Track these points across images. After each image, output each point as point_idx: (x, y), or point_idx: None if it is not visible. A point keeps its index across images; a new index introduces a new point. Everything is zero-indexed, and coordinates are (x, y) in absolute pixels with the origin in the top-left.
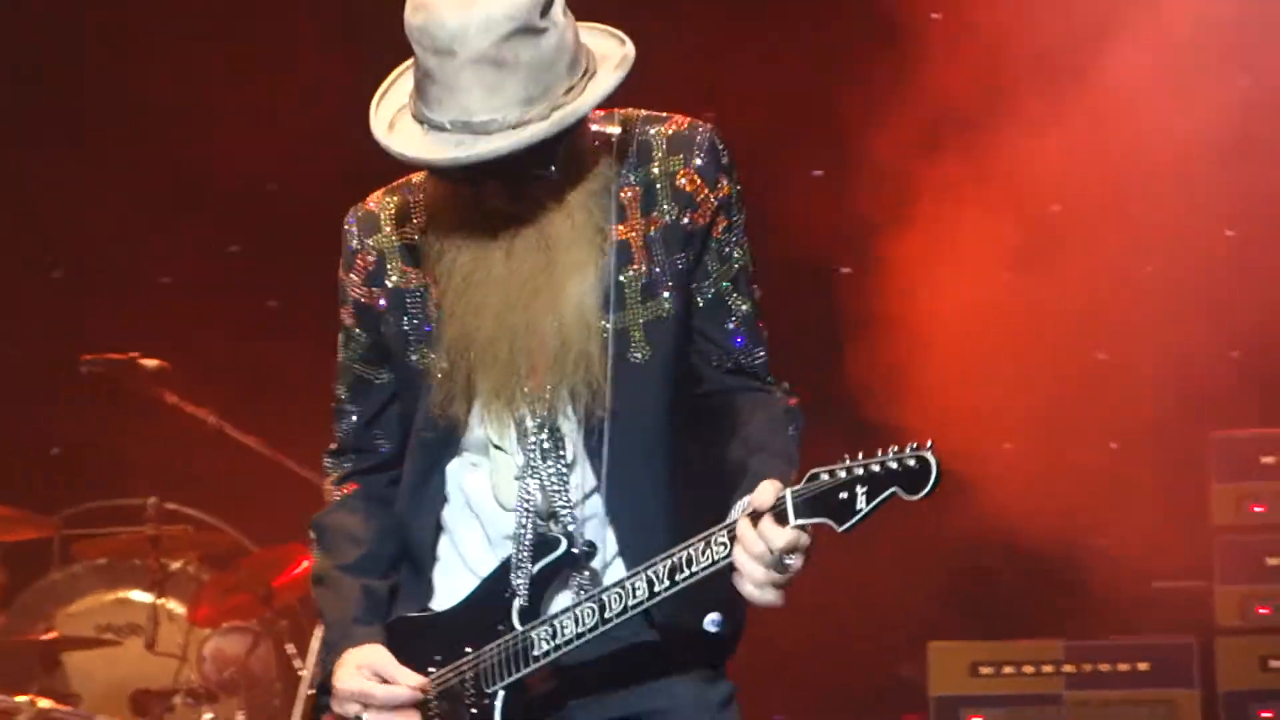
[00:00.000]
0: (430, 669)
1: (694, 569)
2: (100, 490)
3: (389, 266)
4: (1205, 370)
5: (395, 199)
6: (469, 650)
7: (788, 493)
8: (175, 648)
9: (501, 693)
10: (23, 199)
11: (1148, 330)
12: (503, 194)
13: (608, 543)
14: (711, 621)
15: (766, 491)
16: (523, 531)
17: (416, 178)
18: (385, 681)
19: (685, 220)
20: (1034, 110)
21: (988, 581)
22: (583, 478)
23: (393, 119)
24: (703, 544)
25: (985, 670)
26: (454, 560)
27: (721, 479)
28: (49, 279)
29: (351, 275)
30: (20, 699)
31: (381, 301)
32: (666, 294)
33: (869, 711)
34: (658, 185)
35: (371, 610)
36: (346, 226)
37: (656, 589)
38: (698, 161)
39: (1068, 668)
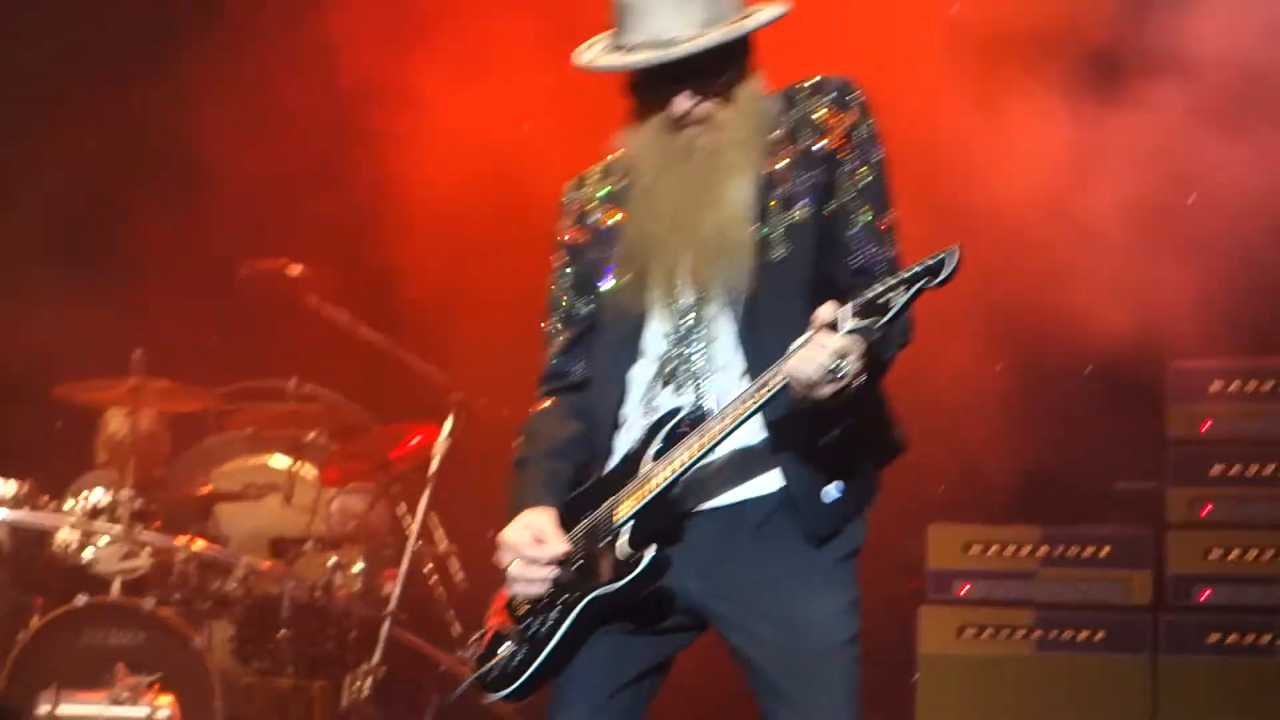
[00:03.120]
0: (580, 521)
1: (772, 385)
2: (251, 372)
3: (592, 209)
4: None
5: (602, 165)
6: (606, 501)
7: (845, 307)
8: (307, 504)
9: (628, 524)
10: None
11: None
12: (686, 99)
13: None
14: (835, 488)
15: (826, 309)
16: (662, 396)
17: (621, 153)
18: (540, 541)
19: (818, 145)
20: None
21: (980, 479)
22: (728, 356)
23: (593, 57)
24: (780, 364)
25: (975, 549)
26: (623, 450)
27: None
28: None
29: (564, 221)
30: (180, 540)
31: (585, 237)
32: (803, 203)
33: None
34: (800, 122)
35: (549, 485)
36: (563, 190)
37: (746, 407)
38: (829, 98)
39: (1043, 549)
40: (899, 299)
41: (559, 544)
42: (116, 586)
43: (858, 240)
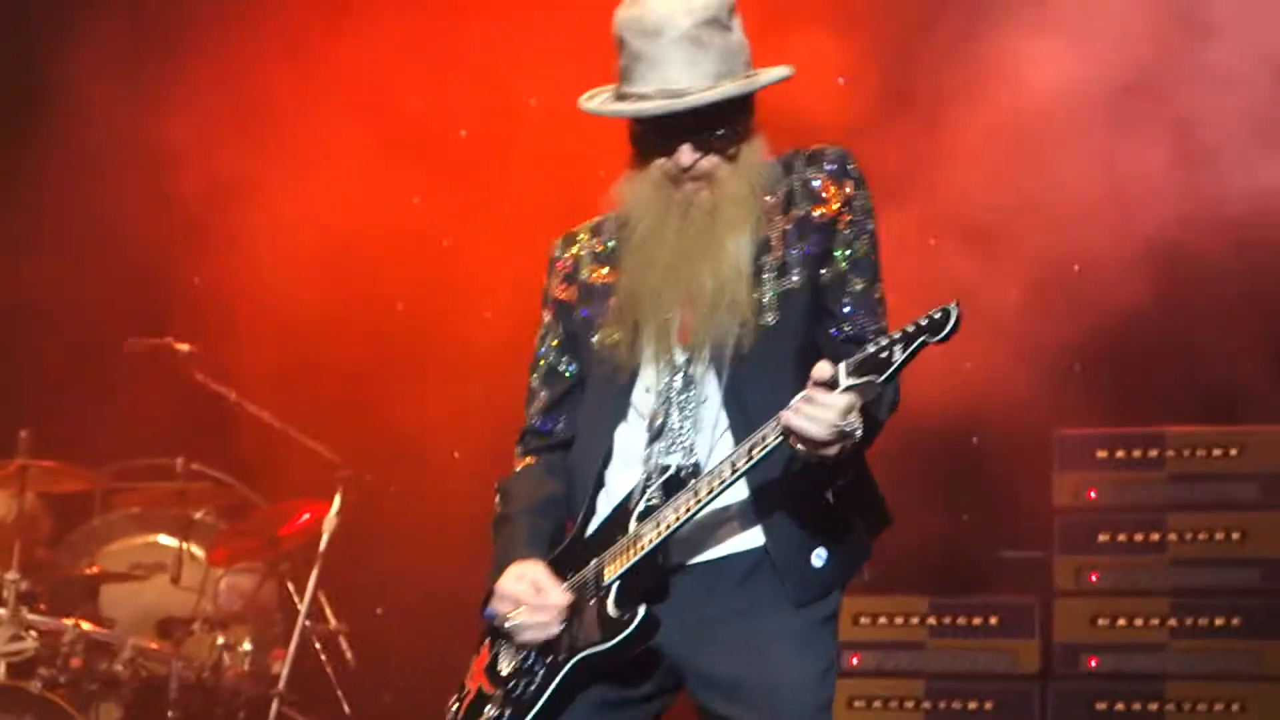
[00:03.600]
0: (565, 580)
1: (768, 443)
2: (137, 450)
3: (583, 267)
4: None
5: (592, 222)
6: (594, 559)
7: (841, 365)
8: (195, 583)
9: (616, 584)
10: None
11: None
12: (691, 152)
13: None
14: (817, 555)
15: (824, 367)
16: (649, 454)
17: (611, 213)
18: (538, 589)
19: (816, 214)
20: None
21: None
22: (714, 415)
23: (601, 104)
24: (774, 422)
25: (863, 620)
26: (606, 509)
27: None
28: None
29: (552, 279)
30: (66, 622)
31: (574, 294)
32: (796, 271)
33: None
34: (796, 189)
35: (532, 542)
36: (551, 246)
37: (738, 466)
38: (828, 168)
39: (931, 620)
40: (898, 356)
41: (558, 594)
42: (1, 669)
43: (850, 310)
